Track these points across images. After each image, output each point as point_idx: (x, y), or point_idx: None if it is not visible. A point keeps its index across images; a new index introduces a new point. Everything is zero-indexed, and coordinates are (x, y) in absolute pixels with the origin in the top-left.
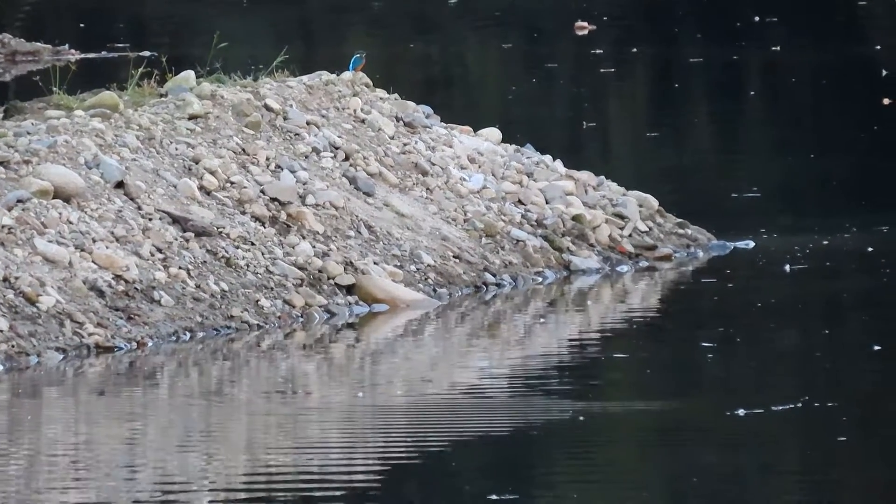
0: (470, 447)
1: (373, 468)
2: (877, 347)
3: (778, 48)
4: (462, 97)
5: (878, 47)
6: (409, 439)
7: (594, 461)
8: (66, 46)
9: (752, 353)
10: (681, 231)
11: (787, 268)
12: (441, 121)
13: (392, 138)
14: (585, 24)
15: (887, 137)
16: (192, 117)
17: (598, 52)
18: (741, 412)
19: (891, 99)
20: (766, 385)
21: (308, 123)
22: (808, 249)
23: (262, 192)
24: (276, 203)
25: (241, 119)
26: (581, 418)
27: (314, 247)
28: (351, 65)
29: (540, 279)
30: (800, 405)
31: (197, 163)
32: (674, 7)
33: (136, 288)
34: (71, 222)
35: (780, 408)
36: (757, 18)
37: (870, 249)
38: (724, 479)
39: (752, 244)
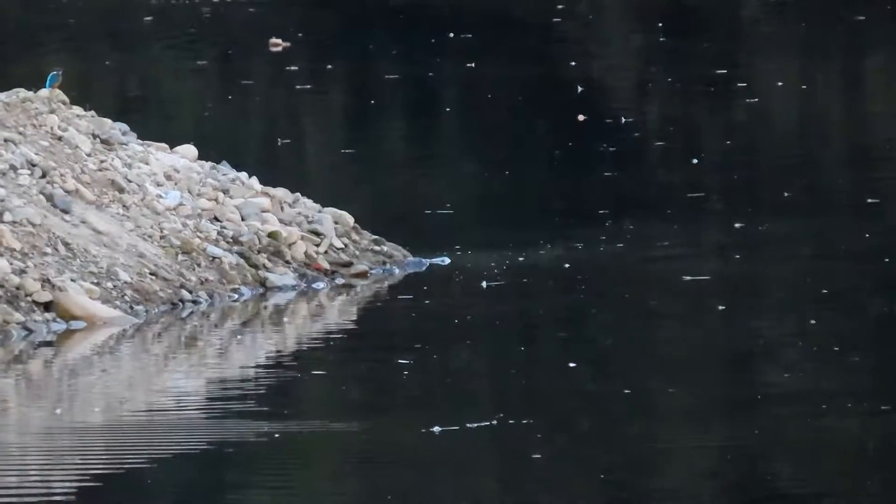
0: (166, 466)
1: (70, 486)
2: (572, 364)
3: (473, 64)
4: (158, 114)
5: (573, 63)
6: (106, 457)
7: (290, 481)
8: None
9: (448, 370)
10: (376, 248)
11: (484, 284)
12: (137, 138)
13: (89, 155)
14: (279, 41)
15: (582, 153)
16: None
17: (293, 68)
18: (436, 430)
19: (585, 115)
20: (461, 402)
21: (5, 140)
22: (504, 266)
23: None
24: None
25: None
26: (277, 436)
27: (11, 263)
28: (48, 82)
29: (236, 296)
30: (495, 422)
31: None
32: (368, 23)
33: None
34: None
35: (476, 425)
36: (452, 35)
37: (566, 266)
38: (419, 499)
39: (447, 260)
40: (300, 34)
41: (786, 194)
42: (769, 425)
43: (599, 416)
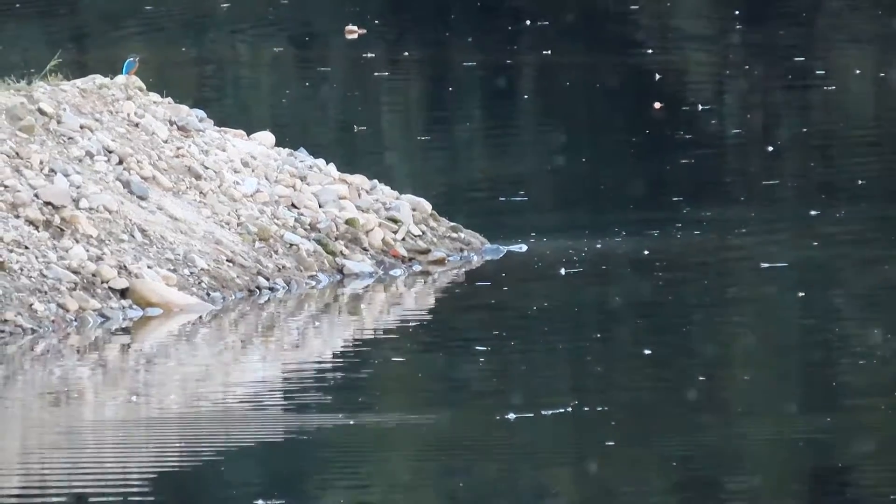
0: (242, 456)
1: (146, 474)
2: (647, 352)
3: (549, 52)
4: (235, 101)
5: (650, 51)
6: (182, 445)
7: (367, 471)
8: None
9: (526, 358)
10: (454, 235)
11: (563, 271)
12: (214, 125)
13: (165, 142)
14: (355, 28)
15: (657, 141)
16: None
17: (369, 55)
18: (511, 416)
19: (661, 103)
20: (536, 390)
21: (82, 127)
22: (582, 253)
23: (36, 195)
24: (49, 207)
25: (15, 123)
26: (354, 426)
27: (88, 250)
28: (124, 68)
29: (313, 283)
30: (570, 409)
31: None
32: (444, 11)
33: None
34: None
35: (550, 412)
36: (528, 22)
37: (645, 253)
38: (495, 487)
39: (525, 248)
40: (376, 21)
41: (860, 182)
42: (846, 416)
43: (674, 404)
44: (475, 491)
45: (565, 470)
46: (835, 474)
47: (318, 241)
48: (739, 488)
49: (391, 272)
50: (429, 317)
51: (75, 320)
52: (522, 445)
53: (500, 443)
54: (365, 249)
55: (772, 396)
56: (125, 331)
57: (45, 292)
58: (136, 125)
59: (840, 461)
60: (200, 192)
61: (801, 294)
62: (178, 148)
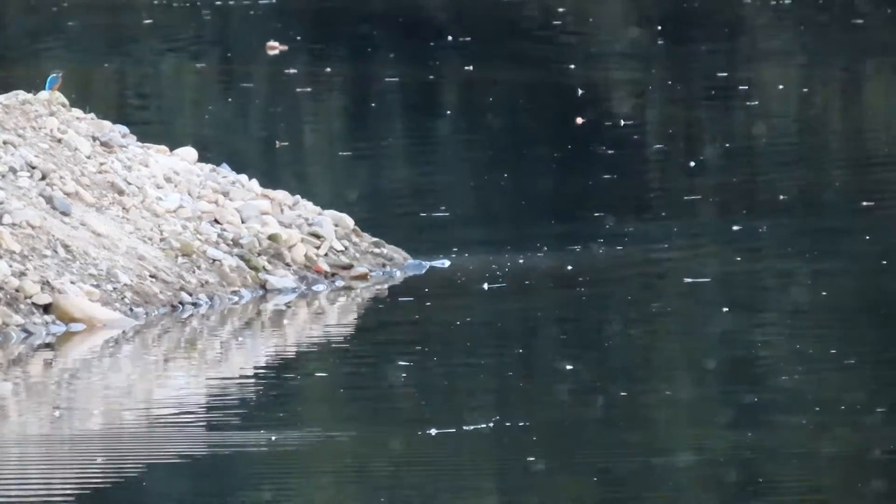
0: (164, 473)
1: (69, 490)
2: (569, 367)
3: (472, 68)
4: (158, 117)
5: (573, 66)
6: (104, 461)
7: (288, 489)
8: None
9: (448, 373)
10: (377, 250)
11: (486, 286)
12: (137, 140)
13: (89, 158)
14: (276, 44)
15: (580, 156)
16: None
17: (292, 71)
18: (433, 432)
19: (583, 118)
20: (459, 405)
21: (5, 143)
22: (505, 268)
23: None
24: None
25: None
26: (275, 442)
27: (11, 266)
28: (47, 84)
29: (236, 298)
30: (491, 425)
31: None
32: (365, 27)
33: None
34: None
35: (472, 427)
36: (450, 38)
37: (568, 268)
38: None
39: (447, 263)
40: (298, 37)
41: (781, 197)
42: (767, 433)
43: (596, 420)
44: None
45: (486, 486)
46: (754, 491)
47: (241, 257)
48: None
49: (314, 287)
50: (351, 332)
51: None
52: (444, 461)
53: (421, 459)
54: (288, 265)
55: (693, 412)
56: (48, 346)
57: None
58: (59, 141)
59: (760, 477)
60: (123, 208)
61: (724, 309)
62: (102, 164)
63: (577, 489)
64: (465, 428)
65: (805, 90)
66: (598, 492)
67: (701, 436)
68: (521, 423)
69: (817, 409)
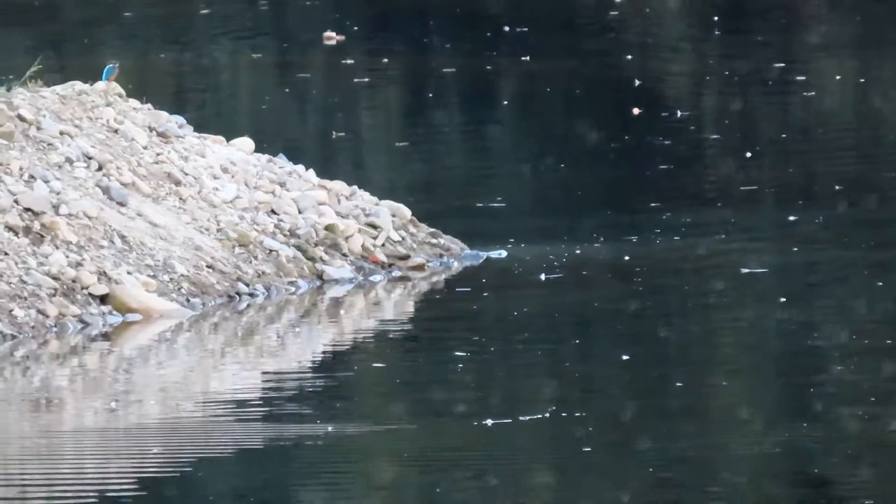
0: (221, 465)
1: (125, 482)
2: (625, 357)
3: (528, 58)
4: (214, 107)
5: (629, 57)
6: (161, 452)
7: (345, 480)
8: None
9: (505, 364)
10: (433, 241)
11: (543, 276)
12: (194, 131)
13: (145, 148)
14: (333, 34)
15: (636, 147)
16: None
17: (349, 62)
18: (489, 423)
19: (640, 109)
20: (515, 396)
21: (61, 133)
22: (563, 258)
23: (16, 202)
24: (29, 213)
25: None
26: (332, 433)
27: (67, 256)
28: (104, 75)
29: (293, 289)
30: (547, 415)
31: None
32: (422, 18)
33: None
34: None
35: (528, 418)
36: (507, 29)
37: (626, 258)
38: (473, 494)
39: (504, 253)
40: (355, 28)
41: (838, 187)
42: (823, 424)
43: (652, 411)
44: (453, 498)
45: (542, 476)
46: (812, 482)
47: (298, 247)
48: (716, 496)
49: (371, 278)
50: (408, 323)
51: (55, 326)
52: (500, 452)
53: (477, 449)
54: (344, 255)
55: (751, 404)
56: (105, 337)
57: (25, 298)
58: (116, 131)
59: (817, 469)
60: (180, 198)
61: (782, 300)
62: (158, 154)
63: (632, 481)
64: (521, 419)
65: (862, 80)
66: (654, 483)
67: (757, 427)
68: (577, 414)
69: (873, 399)
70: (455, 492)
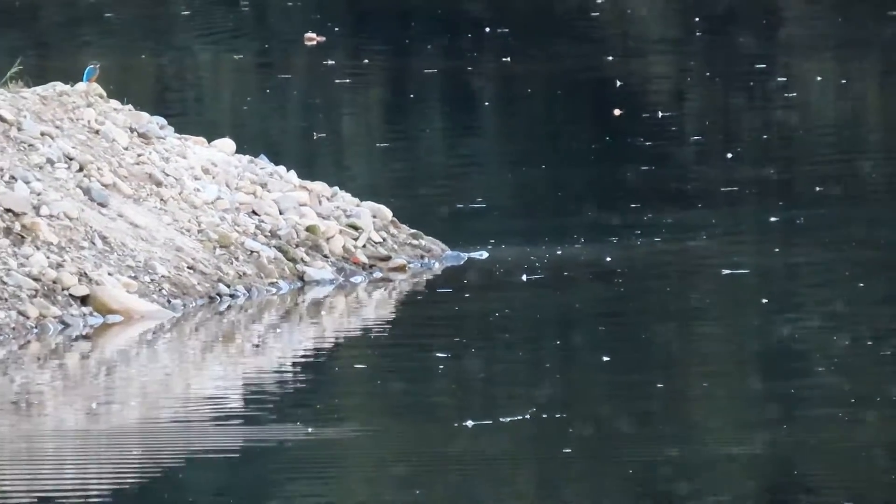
0: (201, 466)
1: (105, 484)
2: (607, 359)
3: (509, 59)
4: (195, 108)
5: (610, 58)
6: (141, 454)
7: (325, 481)
8: None
9: (486, 365)
10: (415, 242)
11: (524, 277)
12: (175, 132)
13: (126, 149)
14: (314, 35)
15: (618, 148)
16: None
17: (330, 62)
18: (469, 424)
19: (622, 110)
20: (496, 397)
21: (42, 134)
22: (544, 259)
23: None
24: (10, 214)
25: None
26: (312, 434)
27: (48, 257)
28: (85, 76)
29: (274, 290)
30: (528, 417)
31: None
32: (403, 19)
33: None
34: None
35: (508, 419)
36: (488, 30)
37: (607, 259)
38: (453, 496)
39: (485, 254)
40: (336, 29)
41: (818, 188)
42: (803, 426)
43: (633, 412)
44: (433, 499)
45: (522, 478)
46: (789, 483)
47: (279, 248)
48: (695, 500)
49: (352, 279)
50: (389, 324)
51: (36, 327)
52: (480, 453)
53: (457, 451)
54: (325, 256)
55: (730, 405)
56: (86, 338)
57: (6, 299)
58: (97, 132)
59: (795, 470)
60: (161, 199)
61: (763, 301)
62: (139, 155)
63: (612, 482)
64: (501, 420)
65: (843, 81)
66: (634, 484)
67: (738, 428)
68: (557, 416)
69: (853, 401)
70: (434, 493)
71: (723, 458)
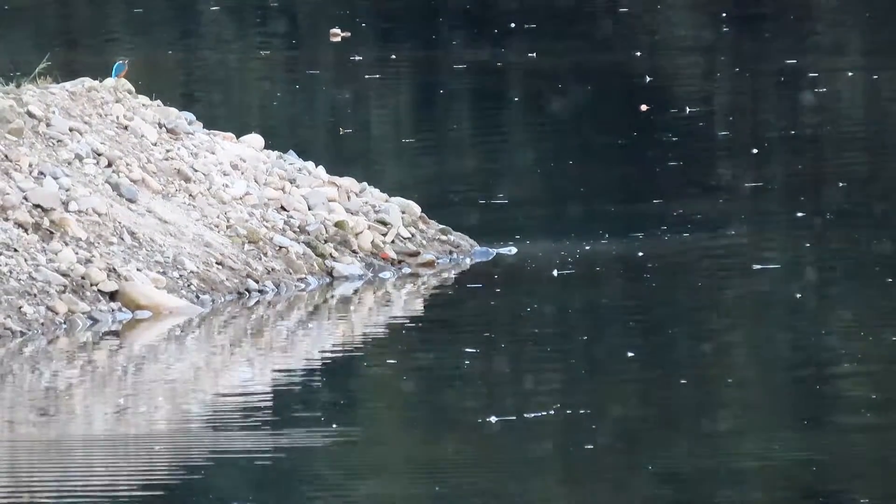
0: (230, 464)
1: (134, 482)
2: (635, 355)
3: (536, 55)
4: (224, 104)
5: (639, 53)
6: (169, 453)
7: (352, 475)
8: None
9: (515, 361)
10: (443, 237)
11: (555, 273)
12: (203, 127)
13: (155, 145)
14: (339, 31)
15: (645, 143)
16: None
17: (357, 58)
18: (493, 419)
19: (649, 105)
20: (522, 392)
21: (71, 130)
22: (575, 255)
23: (25, 198)
24: (38, 209)
25: (4, 125)
26: (339, 430)
27: (77, 253)
28: (113, 71)
29: (303, 286)
30: (552, 412)
31: None
32: (431, 14)
33: None
34: None
35: (532, 415)
36: (514, 25)
37: (639, 255)
38: (478, 491)
39: (514, 250)
40: (363, 24)
41: (840, 184)
42: (832, 427)
43: (659, 408)
44: (458, 494)
45: (546, 474)
46: (813, 483)
47: (308, 244)
48: (718, 498)
49: (380, 275)
50: (418, 319)
51: (64, 323)
52: (504, 449)
53: (481, 446)
54: (354, 252)
55: (759, 403)
56: (114, 333)
57: (35, 295)
58: (126, 128)
59: (819, 471)
60: (190, 195)
61: (797, 296)
62: (168, 151)
63: (636, 478)
64: (525, 416)
65: (874, 77)
66: (658, 481)
67: (765, 426)
68: (581, 412)
69: (883, 402)
70: (459, 489)
71: (747, 455)
